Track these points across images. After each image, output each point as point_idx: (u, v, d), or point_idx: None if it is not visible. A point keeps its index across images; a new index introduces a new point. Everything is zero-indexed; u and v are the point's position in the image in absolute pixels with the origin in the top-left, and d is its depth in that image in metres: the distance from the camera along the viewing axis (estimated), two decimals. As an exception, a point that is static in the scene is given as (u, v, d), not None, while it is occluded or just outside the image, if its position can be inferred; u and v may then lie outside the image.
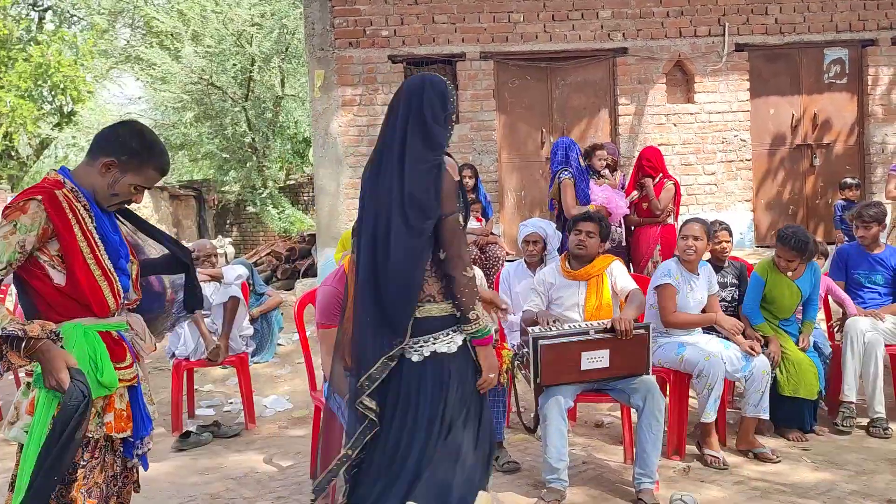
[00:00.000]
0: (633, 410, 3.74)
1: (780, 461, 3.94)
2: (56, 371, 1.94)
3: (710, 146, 8.33)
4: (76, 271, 2.07)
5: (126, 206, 2.27)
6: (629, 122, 8.25)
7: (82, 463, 2.08)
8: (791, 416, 4.33)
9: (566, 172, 5.62)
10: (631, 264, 6.05)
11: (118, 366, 2.14)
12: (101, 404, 2.12)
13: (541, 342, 3.35)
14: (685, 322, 4.07)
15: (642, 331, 3.52)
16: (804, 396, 4.23)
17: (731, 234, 4.56)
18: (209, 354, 4.87)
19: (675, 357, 3.98)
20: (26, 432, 2.03)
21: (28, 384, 2.11)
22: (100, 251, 2.12)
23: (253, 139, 16.17)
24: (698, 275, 4.15)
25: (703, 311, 4.19)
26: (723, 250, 4.50)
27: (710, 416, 3.92)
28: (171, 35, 16.13)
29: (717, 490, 3.63)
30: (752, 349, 4.05)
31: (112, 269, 2.14)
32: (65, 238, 2.06)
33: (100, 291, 2.11)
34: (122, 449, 2.21)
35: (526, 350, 3.49)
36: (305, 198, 17.72)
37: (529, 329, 3.48)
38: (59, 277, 2.07)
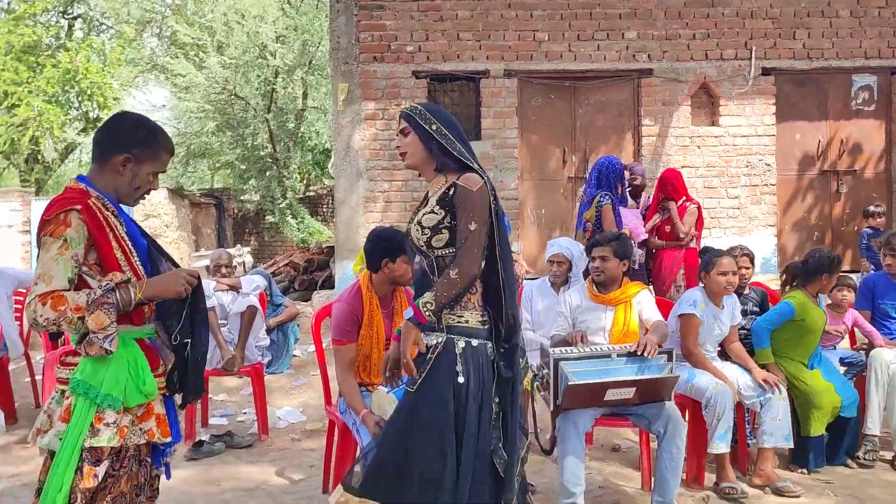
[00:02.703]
0: (652, 436, 3.67)
1: (801, 495, 3.83)
2: (175, 283, 2.13)
3: (734, 170, 8.25)
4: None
5: (146, 196, 2.28)
6: (653, 143, 8.19)
7: (112, 472, 2.06)
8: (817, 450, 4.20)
9: (606, 197, 5.51)
10: (652, 287, 5.97)
11: (154, 373, 2.14)
12: (139, 412, 2.11)
13: (568, 383, 3.28)
14: (702, 365, 3.94)
15: (664, 357, 3.46)
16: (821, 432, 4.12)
17: (752, 261, 4.46)
18: (224, 364, 4.85)
19: (686, 385, 3.88)
20: (60, 439, 2.02)
21: (62, 392, 2.09)
22: (134, 258, 2.13)
23: (274, 149, 16.27)
24: (723, 307, 4.05)
25: (723, 341, 4.11)
26: (742, 276, 4.38)
27: (719, 448, 3.79)
28: (197, 46, 16.31)
29: (737, 521, 3.54)
30: (766, 381, 3.95)
31: (144, 274, 2.14)
32: (103, 248, 2.07)
33: None
34: (149, 458, 2.19)
35: (546, 371, 3.43)
36: (325, 209, 17.77)
37: (550, 350, 3.43)
38: (96, 286, 2.07)
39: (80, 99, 17.29)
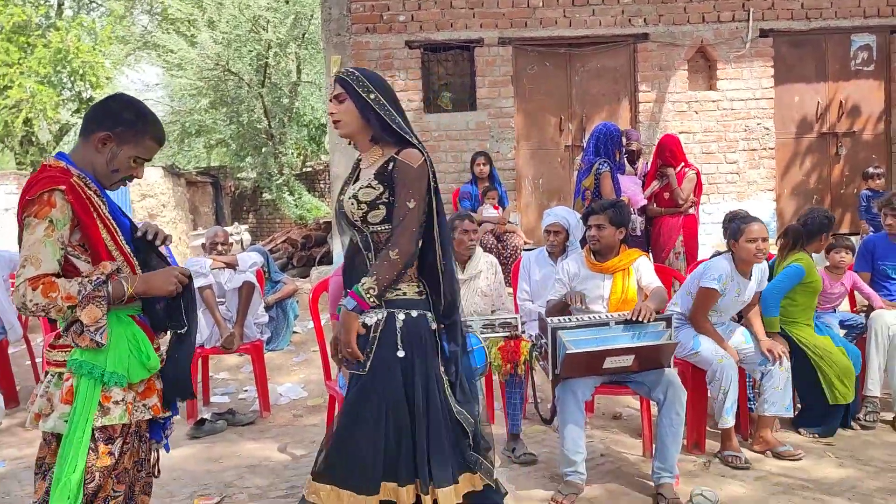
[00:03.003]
0: (652, 403, 3.67)
1: (802, 458, 3.84)
2: (167, 282, 2.11)
3: (733, 134, 8.18)
4: (103, 259, 2.05)
5: (128, 182, 2.22)
6: (650, 109, 8.11)
7: (114, 450, 2.06)
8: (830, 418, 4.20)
9: (605, 165, 5.47)
10: (651, 254, 5.95)
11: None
12: (140, 388, 2.12)
13: (567, 352, 3.26)
14: (709, 335, 3.88)
15: (663, 324, 3.44)
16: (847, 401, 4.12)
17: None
18: (224, 342, 4.84)
19: (690, 349, 3.85)
20: (65, 422, 2.00)
21: (59, 374, 2.07)
22: (118, 236, 2.11)
23: (269, 125, 16.14)
24: (750, 278, 3.94)
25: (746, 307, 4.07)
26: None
27: (727, 422, 3.79)
28: (188, 22, 16.11)
29: (738, 486, 3.56)
30: (772, 350, 3.93)
31: (131, 253, 2.13)
32: (89, 228, 2.04)
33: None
34: (147, 434, 2.21)
35: (544, 340, 3.42)
36: (322, 185, 17.70)
37: (548, 319, 3.41)
38: (84, 267, 2.06)
39: (72, 79, 17.11)
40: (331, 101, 2.47)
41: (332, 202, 8.53)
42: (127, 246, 2.13)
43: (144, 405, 2.12)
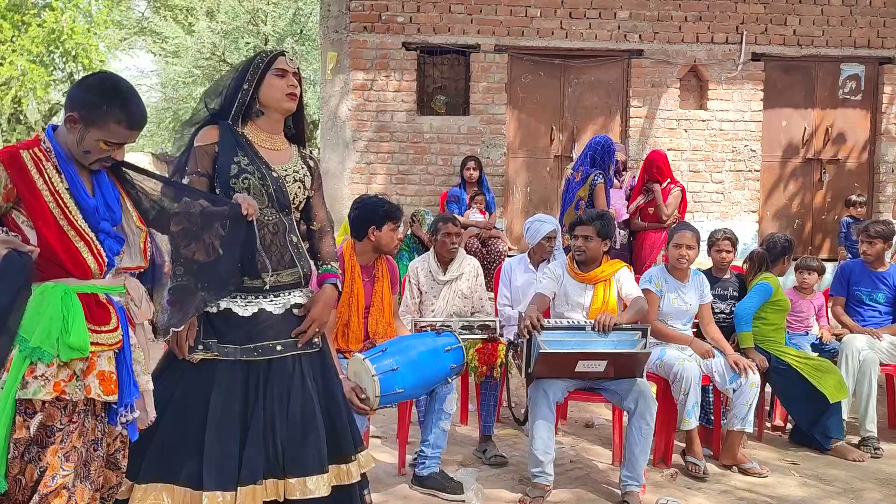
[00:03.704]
0: (624, 412, 3.72)
1: (767, 475, 3.91)
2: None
3: (720, 154, 8.28)
4: (44, 232, 2.01)
5: (107, 163, 2.16)
6: (640, 124, 8.20)
7: (59, 426, 2.04)
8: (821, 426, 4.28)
9: (599, 177, 5.53)
10: (632, 268, 6.01)
11: (100, 329, 2.08)
12: (79, 367, 2.06)
13: (540, 351, 3.32)
14: (661, 334, 4.03)
15: (639, 333, 3.50)
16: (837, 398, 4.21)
17: (734, 245, 4.48)
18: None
19: (656, 362, 3.93)
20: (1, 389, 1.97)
21: None
22: (70, 211, 2.05)
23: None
24: (687, 283, 4.11)
25: (696, 320, 4.17)
26: (723, 260, 4.43)
27: (689, 424, 3.86)
28: (186, 10, 16.08)
29: (702, 497, 3.62)
30: (737, 363, 3.99)
31: (88, 230, 2.07)
32: (27, 199, 2.01)
33: (77, 252, 2.04)
34: (104, 415, 2.16)
35: (521, 340, 3.47)
36: (311, 181, 17.68)
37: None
38: (33, 237, 2.02)
39: (64, 60, 17.01)
40: (289, 73, 2.52)
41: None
42: (84, 222, 2.07)
43: (83, 384, 2.05)
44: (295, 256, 2.52)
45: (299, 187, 2.53)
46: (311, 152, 2.66)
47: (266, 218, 2.47)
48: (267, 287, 2.46)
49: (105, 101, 2.05)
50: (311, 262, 2.62)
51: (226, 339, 2.43)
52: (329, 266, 2.61)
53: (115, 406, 2.14)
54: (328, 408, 2.52)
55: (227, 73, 2.65)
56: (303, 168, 2.57)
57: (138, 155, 12.92)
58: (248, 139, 2.50)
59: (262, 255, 2.45)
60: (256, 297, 2.46)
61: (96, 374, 2.09)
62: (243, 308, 2.45)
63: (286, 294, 2.50)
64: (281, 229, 2.50)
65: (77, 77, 16.99)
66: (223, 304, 2.44)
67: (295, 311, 2.50)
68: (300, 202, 2.56)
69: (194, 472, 2.33)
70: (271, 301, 2.47)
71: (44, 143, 2.09)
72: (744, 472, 3.94)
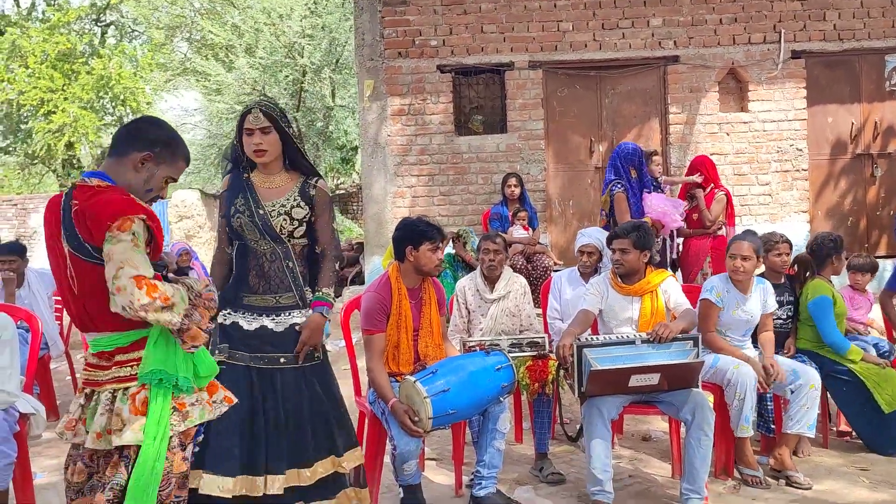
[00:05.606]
0: (682, 424, 3.66)
1: (810, 488, 3.75)
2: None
3: (765, 156, 8.13)
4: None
5: (156, 200, 2.27)
6: (680, 131, 8.11)
7: (188, 455, 2.16)
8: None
9: (619, 185, 5.42)
10: (680, 275, 5.93)
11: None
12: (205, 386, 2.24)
13: (591, 369, 3.29)
14: (717, 347, 3.90)
15: (690, 343, 3.45)
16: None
17: (791, 248, 4.36)
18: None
19: (710, 366, 3.83)
20: (143, 432, 2.04)
21: (123, 389, 2.09)
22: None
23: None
24: (750, 294, 3.99)
25: (756, 329, 4.05)
26: (784, 264, 4.28)
27: (745, 431, 3.75)
28: (226, 48, 16.52)
29: (769, 508, 3.52)
30: (773, 366, 3.82)
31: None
32: (158, 248, 2.19)
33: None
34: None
35: (571, 358, 3.44)
36: (354, 206, 17.90)
37: (574, 338, 3.44)
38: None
39: (114, 104, 17.65)
40: (255, 131, 2.86)
41: (364, 223, 8.63)
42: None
43: (221, 401, 2.24)
44: (291, 282, 2.93)
45: (285, 219, 2.89)
46: (316, 181, 2.96)
47: (262, 248, 2.93)
48: (269, 306, 2.92)
49: (174, 141, 2.25)
50: (306, 288, 2.98)
51: (236, 346, 2.89)
52: (321, 293, 2.95)
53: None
54: (326, 410, 2.97)
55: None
56: (295, 201, 2.91)
57: (187, 192, 13.26)
58: (252, 182, 2.96)
59: (262, 280, 2.91)
60: (260, 315, 2.91)
61: (222, 387, 2.34)
62: (248, 323, 2.90)
63: (286, 314, 2.92)
64: (277, 256, 2.93)
65: (127, 120, 17.63)
66: (231, 319, 2.90)
67: (297, 328, 2.91)
68: (289, 232, 2.91)
69: (200, 457, 2.67)
70: (273, 319, 2.91)
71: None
72: (787, 481, 3.81)
